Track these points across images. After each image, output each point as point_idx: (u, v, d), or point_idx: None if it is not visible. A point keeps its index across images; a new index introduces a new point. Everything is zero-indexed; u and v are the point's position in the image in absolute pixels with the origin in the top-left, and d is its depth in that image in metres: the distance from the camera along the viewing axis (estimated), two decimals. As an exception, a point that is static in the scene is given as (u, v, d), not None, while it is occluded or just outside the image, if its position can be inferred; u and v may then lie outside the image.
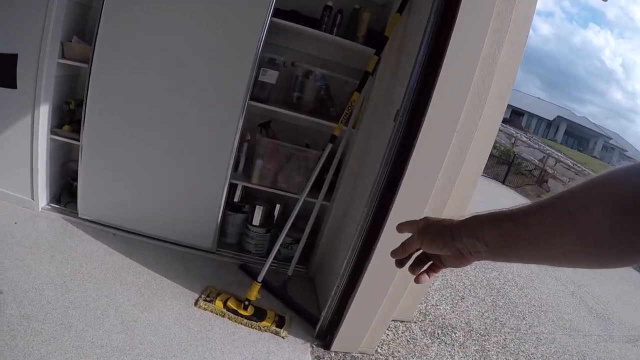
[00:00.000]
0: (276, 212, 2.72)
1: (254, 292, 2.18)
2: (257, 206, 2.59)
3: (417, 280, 0.73)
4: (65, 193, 2.75)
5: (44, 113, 2.43)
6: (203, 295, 2.21)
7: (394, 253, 0.73)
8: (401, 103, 1.86)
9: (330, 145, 2.22)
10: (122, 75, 2.30)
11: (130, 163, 2.45)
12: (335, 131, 2.23)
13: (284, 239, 2.62)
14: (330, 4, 2.41)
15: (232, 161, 2.38)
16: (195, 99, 2.32)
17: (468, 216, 0.61)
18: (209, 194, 2.46)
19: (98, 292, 2.04)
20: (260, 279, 2.19)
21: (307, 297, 2.53)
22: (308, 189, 2.23)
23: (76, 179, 2.70)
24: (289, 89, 2.59)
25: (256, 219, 2.60)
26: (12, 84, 2.41)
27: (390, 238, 1.90)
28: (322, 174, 2.55)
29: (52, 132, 2.51)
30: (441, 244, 0.63)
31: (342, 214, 2.50)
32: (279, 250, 2.65)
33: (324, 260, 2.63)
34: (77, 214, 2.56)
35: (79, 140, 2.45)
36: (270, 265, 2.62)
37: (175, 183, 2.46)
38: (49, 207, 2.62)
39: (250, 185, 2.50)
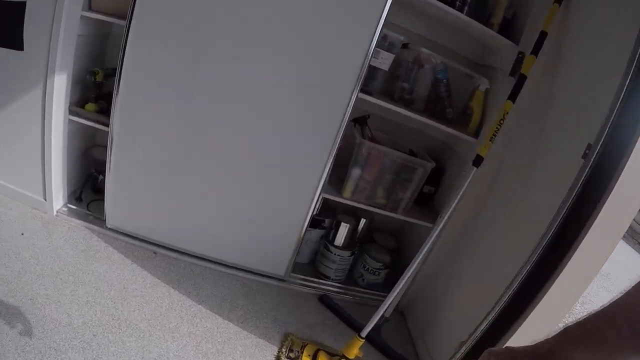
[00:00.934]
0: (360, 228, 2.01)
1: (355, 349, 1.51)
2: (342, 223, 1.87)
3: None
4: (87, 189, 2.00)
5: (61, 86, 1.66)
6: (284, 350, 1.53)
7: None
8: (599, 139, 1.15)
9: (475, 170, 1.49)
10: (176, 37, 1.52)
11: (180, 158, 1.69)
12: (481, 151, 1.49)
13: (370, 262, 1.95)
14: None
15: (327, 169, 1.64)
16: (282, 82, 1.55)
17: (559, 336, 0.54)
18: (290, 209, 1.73)
19: (144, 354, 1.34)
20: (364, 334, 1.50)
21: (398, 337, 1.87)
22: (446, 217, 1.52)
23: (102, 172, 1.95)
24: (394, 77, 1.81)
25: (339, 239, 1.90)
26: (18, 44, 1.63)
27: (554, 298, 1.26)
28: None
29: (70, 111, 1.74)
30: None
31: (458, 245, 1.79)
32: (361, 275, 1.98)
33: (422, 294, 1.94)
34: (104, 220, 1.83)
35: (107, 125, 1.68)
36: (348, 293, 1.95)
37: (243, 190, 1.72)
38: (67, 208, 1.88)
39: (340, 200, 1.77)
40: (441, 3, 1.57)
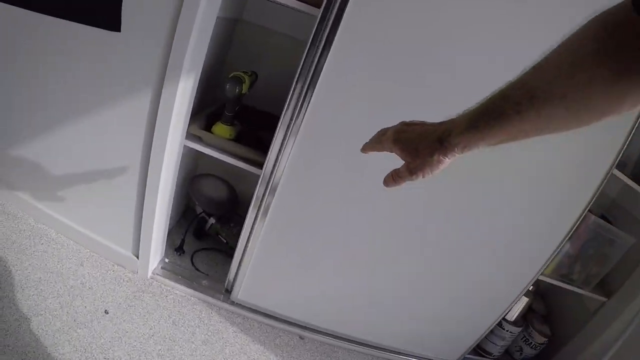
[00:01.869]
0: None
1: None
2: (522, 296, 1.43)
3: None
4: (190, 235, 1.35)
5: (183, 95, 1.00)
6: None
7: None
8: None
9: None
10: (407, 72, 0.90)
11: (349, 225, 1.11)
12: None
13: (536, 337, 1.55)
14: None
15: (556, 255, 1.15)
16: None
17: (458, 120, 0.41)
18: (487, 296, 1.24)
19: None
20: None
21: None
22: None
23: (211, 214, 1.33)
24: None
25: (513, 314, 1.46)
26: (111, 22, 0.95)
27: None
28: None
29: (190, 135, 1.08)
30: (429, 158, 0.43)
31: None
32: (520, 349, 1.59)
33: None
34: (228, 290, 1.23)
35: (259, 164, 1.06)
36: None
37: (433, 274, 1.18)
38: (164, 265, 1.25)
39: (543, 279, 1.32)
40: None
